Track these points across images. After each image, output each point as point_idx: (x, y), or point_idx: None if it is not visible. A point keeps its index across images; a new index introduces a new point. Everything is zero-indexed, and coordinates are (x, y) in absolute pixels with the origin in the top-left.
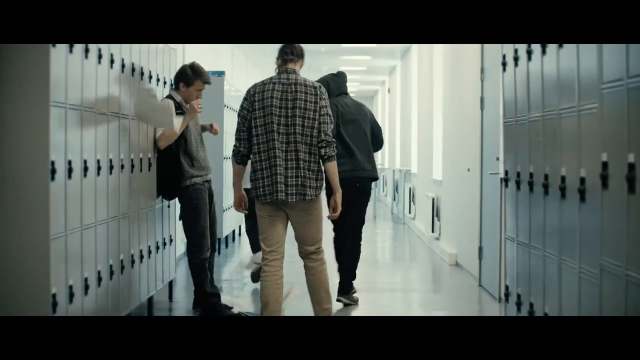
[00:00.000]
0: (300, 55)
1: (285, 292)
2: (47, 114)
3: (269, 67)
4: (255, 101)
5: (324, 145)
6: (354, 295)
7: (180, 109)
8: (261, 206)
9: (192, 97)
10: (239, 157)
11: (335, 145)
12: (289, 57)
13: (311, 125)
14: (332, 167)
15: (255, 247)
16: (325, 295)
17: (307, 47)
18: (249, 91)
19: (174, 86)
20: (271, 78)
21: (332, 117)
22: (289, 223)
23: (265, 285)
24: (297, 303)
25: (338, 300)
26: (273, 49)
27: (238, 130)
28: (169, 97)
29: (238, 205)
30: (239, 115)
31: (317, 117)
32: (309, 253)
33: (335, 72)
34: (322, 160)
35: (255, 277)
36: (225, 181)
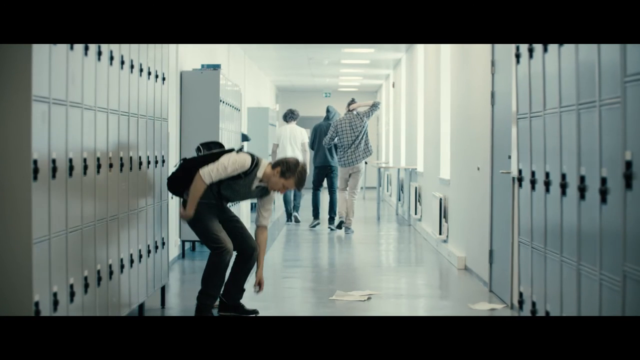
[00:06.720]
0: (354, 102)
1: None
2: (28, 109)
3: (266, 60)
4: (337, 127)
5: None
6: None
7: (246, 174)
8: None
9: (277, 186)
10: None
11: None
12: (352, 104)
13: (362, 136)
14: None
15: (288, 215)
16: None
17: None
18: (334, 124)
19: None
20: (345, 115)
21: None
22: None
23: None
24: (296, 304)
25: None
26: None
27: (330, 140)
28: (255, 162)
29: None
30: (329, 133)
31: (364, 131)
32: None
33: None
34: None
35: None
36: None
